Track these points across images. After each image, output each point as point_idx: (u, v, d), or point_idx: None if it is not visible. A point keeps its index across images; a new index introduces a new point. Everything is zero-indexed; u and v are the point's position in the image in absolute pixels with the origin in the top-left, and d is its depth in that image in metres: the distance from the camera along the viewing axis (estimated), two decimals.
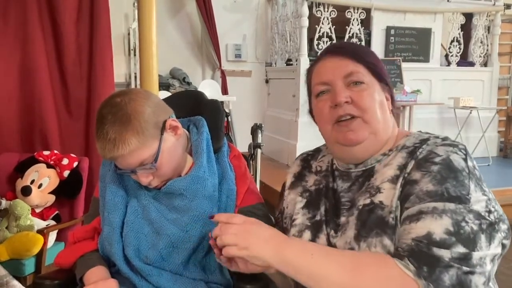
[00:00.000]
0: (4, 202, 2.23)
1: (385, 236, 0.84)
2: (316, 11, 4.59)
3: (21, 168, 2.39)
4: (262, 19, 5.58)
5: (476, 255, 0.76)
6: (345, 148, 0.95)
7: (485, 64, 5.39)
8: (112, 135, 1.02)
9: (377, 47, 4.89)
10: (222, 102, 4.71)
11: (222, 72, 5.32)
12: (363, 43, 4.75)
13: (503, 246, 0.81)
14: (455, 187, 0.81)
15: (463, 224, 0.78)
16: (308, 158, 1.14)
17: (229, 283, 1.15)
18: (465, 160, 0.85)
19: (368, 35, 4.89)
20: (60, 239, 2.33)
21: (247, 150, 2.20)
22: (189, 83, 5.07)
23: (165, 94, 3.89)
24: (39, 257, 2.09)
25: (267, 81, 5.63)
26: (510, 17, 5.75)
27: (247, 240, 0.86)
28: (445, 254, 0.76)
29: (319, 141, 1.08)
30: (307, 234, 0.98)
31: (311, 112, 1.04)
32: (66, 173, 2.35)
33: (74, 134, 2.76)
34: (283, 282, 1.14)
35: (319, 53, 1.10)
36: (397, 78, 4.75)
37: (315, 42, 4.61)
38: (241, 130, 5.02)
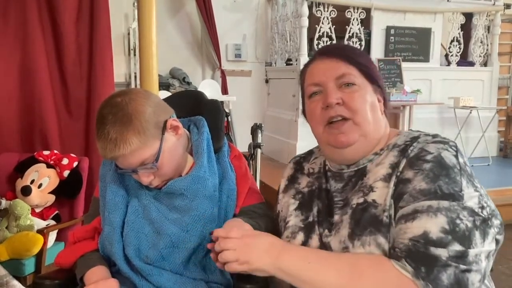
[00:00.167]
0: (4, 202, 2.24)
1: (379, 234, 0.85)
2: (316, 11, 4.59)
3: (21, 168, 2.39)
4: (262, 19, 5.58)
5: (472, 252, 0.77)
6: (336, 149, 0.96)
7: (485, 64, 5.39)
8: (113, 135, 1.02)
9: (377, 47, 4.90)
10: (222, 102, 4.71)
11: (222, 72, 5.32)
12: (363, 43, 4.76)
13: (497, 241, 0.82)
14: (447, 184, 0.82)
15: (458, 221, 0.78)
16: (300, 161, 1.15)
17: (229, 283, 1.15)
18: (456, 156, 0.86)
19: (368, 35, 4.88)
20: (60, 239, 2.33)
21: (247, 150, 2.19)
22: (189, 83, 5.07)
23: (165, 94, 3.89)
24: (39, 257, 2.09)
25: (267, 81, 5.63)
26: (510, 17, 5.75)
27: (247, 255, 0.87)
28: (442, 253, 0.77)
29: None
30: (300, 236, 0.99)
31: (304, 112, 1.05)
32: (66, 173, 2.35)
33: (74, 134, 2.76)
34: (283, 281, 1.14)
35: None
36: (397, 78, 4.75)
37: (315, 42, 4.61)
38: (241, 130, 5.03)
